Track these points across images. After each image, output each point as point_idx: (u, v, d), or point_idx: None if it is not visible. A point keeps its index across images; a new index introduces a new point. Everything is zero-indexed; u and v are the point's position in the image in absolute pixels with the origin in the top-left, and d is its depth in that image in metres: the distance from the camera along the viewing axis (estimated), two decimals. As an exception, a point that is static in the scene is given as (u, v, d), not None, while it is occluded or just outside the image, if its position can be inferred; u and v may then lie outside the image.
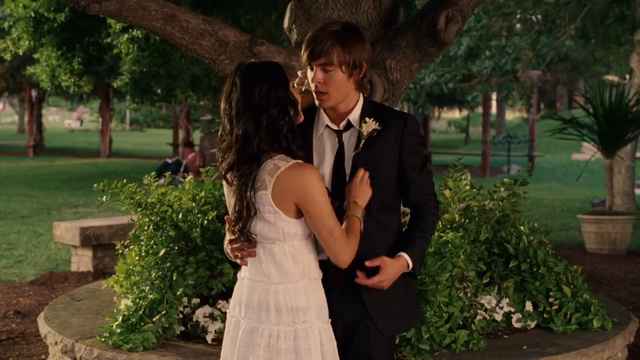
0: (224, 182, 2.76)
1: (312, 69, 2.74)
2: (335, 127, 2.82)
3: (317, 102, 2.79)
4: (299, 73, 3.00)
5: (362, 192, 2.70)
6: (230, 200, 2.73)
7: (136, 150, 29.98)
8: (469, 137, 35.66)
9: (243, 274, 2.83)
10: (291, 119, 2.63)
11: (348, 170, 2.79)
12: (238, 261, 2.76)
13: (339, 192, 2.75)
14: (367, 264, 2.75)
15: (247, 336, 2.71)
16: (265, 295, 2.68)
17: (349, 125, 2.83)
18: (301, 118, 2.69)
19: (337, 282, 2.79)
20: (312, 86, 2.75)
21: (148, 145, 33.19)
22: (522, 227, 4.86)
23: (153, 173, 4.79)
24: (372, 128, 2.75)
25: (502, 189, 5.11)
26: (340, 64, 2.69)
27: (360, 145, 2.77)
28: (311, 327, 2.63)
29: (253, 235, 2.68)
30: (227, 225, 2.83)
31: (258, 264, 2.72)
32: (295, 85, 2.88)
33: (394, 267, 2.78)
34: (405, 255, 2.81)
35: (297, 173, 2.57)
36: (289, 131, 2.62)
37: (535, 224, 4.99)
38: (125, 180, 4.60)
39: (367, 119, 2.76)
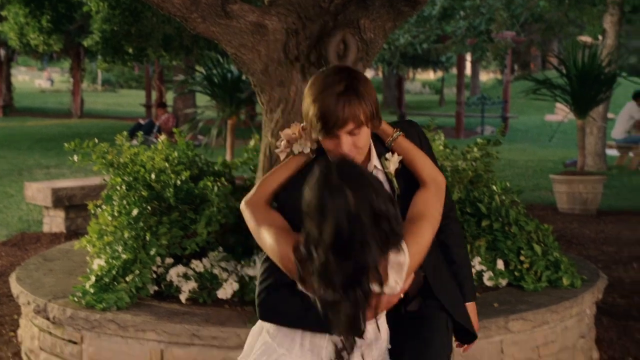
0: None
1: (331, 137, 2.39)
2: None
3: None
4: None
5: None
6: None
7: (108, 111, 29.63)
8: (443, 99, 35.69)
9: None
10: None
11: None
12: None
13: None
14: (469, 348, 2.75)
15: None
16: None
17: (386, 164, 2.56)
18: None
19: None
20: (338, 153, 2.40)
21: (120, 106, 32.82)
22: (494, 187, 4.90)
23: (125, 133, 4.75)
24: (397, 163, 2.52)
25: (476, 149, 5.14)
26: (367, 121, 2.40)
27: (397, 187, 2.52)
28: None
29: None
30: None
31: None
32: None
33: (476, 318, 2.73)
34: (469, 304, 2.71)
35: None
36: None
37: (508, 184, 5.03)
38: (97, 140, 4.56)
39: (386, 156, 2.53)
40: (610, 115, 16.24)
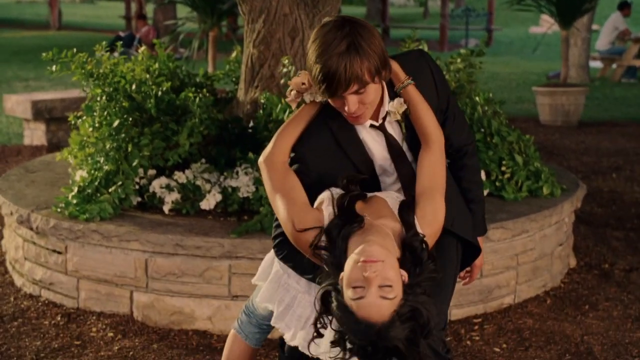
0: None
1: (336, 98, 2.31)
2: (376, 123, 2.45)
3: (352, 122, 2.40)
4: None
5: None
6: None
7: (87, 23, 29.03)
8: (427, 11, 35.22)
9: None
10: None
11: (410, 156, 2.50)
12: None
13: (409, 180, 2.46)
14: (469, 283, 2.79)
15: None
16: None
17: (385, 116, 2.48)
18: None
19: None
20: (345, 112, 2.34)
21: (99, 18, 32.16)
22: (477, 98, 4.89)
23: (104, 43, 4.66)
24: (401, 108, 2.43)
25: (459, 60, 5.10)
26: (372, 78, 2.28)
27: (404, 130, 2.46)
28: None
29: None
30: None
31: None
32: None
33: (481, 254, 2.71)
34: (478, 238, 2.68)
35: None
36: None
37: (491, 95, 5.02)
38: (75, 50, 4.48)
39: (391, 103, 2.43)
40: (595, 26, 16.13)
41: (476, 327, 4.05)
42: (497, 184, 4.61)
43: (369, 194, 2.36)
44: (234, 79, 5.36)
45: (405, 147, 2.48)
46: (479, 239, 2.69)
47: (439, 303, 2.45)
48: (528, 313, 4.21)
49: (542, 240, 4.40)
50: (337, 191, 2.32)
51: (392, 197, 2.36)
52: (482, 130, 4.69)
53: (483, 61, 5.11)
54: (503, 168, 4.62)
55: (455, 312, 4.10)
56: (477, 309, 4.17)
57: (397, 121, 2.46)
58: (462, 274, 2.76)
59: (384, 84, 2.42)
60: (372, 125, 2.44)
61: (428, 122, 2.40)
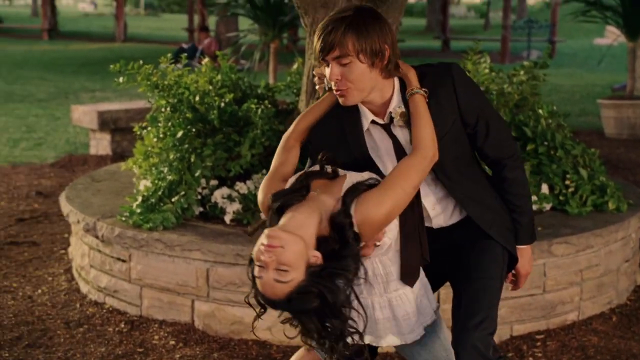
0: None
1: (327, 65, 2.40)
2: (381, 121, 2.51)
3: (340, 101, 2.46)
4: (315, 72, 2.63)
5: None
6: None
7: (151, 35, 29.64)
8: (488, 22, 34.94)
9: None
10: None
11: None
12: None
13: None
14: (515, 289, 2.79)
15: None
16: None
17: (392, 117, 2.52)
18: None
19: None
20: (332, 84, 2.42)
21: (163, 30, 32.80)
22: (540, 111, 4.83)
23: (169, 55, 4.75)
24: (399, 111, 2.46)
25: (522, 72, 5.05)
26: (357, 53, 2.34)
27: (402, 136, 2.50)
28: (405, 293, 2.48)
29: None
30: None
31: None
32: (317, 86, 2.61)
33: (526, 263, 2.71)
34: (522, 247, 2.67)
35: None
36: None
37: (554, 107, 4.95)
38: (141, 62, 4.57)
39: (394, 108, 2.46)
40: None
41: (539, 343, 3.97)
42: (561, 198, 4.53)
43: (343, 172, 2.43)
44: (295, 91, 5.39)
45: (410, 149, 2.49)
46: (526, 247, 2.69)
47: (485, 307, 2.48)
48: (593, 330, 4.12)
49: (608, 256, 4.30)
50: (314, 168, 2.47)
51: (355, 178, 2.39)
52: (546, 143, 4.62)
53: (546, 73, 5.04)
54: (567, 182, 4.54)
55: (517, 328, 4.04)
56: (539, 325, 4.09)
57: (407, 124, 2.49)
58: (508, 278, 2.76)
59: (396, 84, 2.47)
60: (376, 123, 2.50)
61: (422, 134, 2.40)
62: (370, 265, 2.41)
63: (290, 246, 2.18)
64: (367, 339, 2.48)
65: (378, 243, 2.35)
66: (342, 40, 2.33)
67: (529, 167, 4.56)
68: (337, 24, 2.34)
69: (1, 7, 41.21)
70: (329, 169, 2.43)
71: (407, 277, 2.45)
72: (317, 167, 2.45)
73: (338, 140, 2.53)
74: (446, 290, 3.20)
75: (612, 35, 15.64)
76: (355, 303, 2.28)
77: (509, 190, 2.63)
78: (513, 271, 2.73)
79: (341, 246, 2.24)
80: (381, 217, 2.28)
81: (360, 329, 2.31)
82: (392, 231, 2.38)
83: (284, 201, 2.33)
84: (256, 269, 2.21)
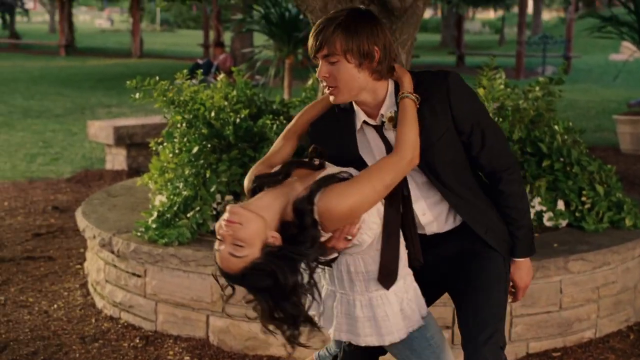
0: None
1: (316, 62, 2.47)
2: (373, 122, 2.54)
3: (330, 99, 2.50)
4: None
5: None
6: None
7: (167, 51, 29.84)
8: (503, 38, 34.96)
9: None
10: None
11: None
12: None
13: (402, 182, 2.49)
14: (515, 301, 2.76)
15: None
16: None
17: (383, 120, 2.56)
18: None
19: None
20: (322, 82, 2.48)
21: (179, 46, 33.01)
22: (556, 127, 4.81)
23: (185, 71, 4.78)
24: (387, 114, 2.48)
25: (537, 88, 5.04)
26: (345, 53, 2.38)
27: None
28: (386, 294, 2.49)
29: None
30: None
31: None
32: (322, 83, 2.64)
33: (525, 275, 2.69)
34: (519, 260, 2.66)
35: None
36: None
37: (570, 123, 4.93)
38: (157, 78, 4.60)
39: (385, 112, 2.49)
40: (678, 54, 15.67)
41: (555, 361, 3.95)
42: (577, 214, 4.50)
43: (329, 165, 2.50)
44: (310, 107, 5.39)
45: None
46: (525, 260, 2.67)
47: (494, 321, 2.48)
48: (610, 348, 4.08)
49: (625, 274, 4.27)
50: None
51: (333, 170, 2.43)
52: (562, 159, 4.60)
53: (562, 89, 5.03)
54: (583, 198, 4.52)
55: (534, 345, 4.01)
56: (556, 342, 4.06)
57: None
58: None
59: (390, 87, 2.50)
60: (368, 124, 2.53)
61: (405, 137, 2.41)
62: (352, 261, 2.45)
63: (249, 224, 2.26)
64: (345, 337, 2.52)
65: (349, 237, 2.37)
66: (331, 39, 2.39)
67: (544, 183, 4.54)
68: (329, 23, 2.41)
69: (19, 24, 41.62)
70: (316, 161, 2.50)
71: (384, 278, 2.46)
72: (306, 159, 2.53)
73: (334, 137, 2.58)
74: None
75: (628, 51, 15.58)
76: (316, 294, 2.33)
77: (506, 204, 2.62)
78: (511, 282, 2.71)
79: (299, 231, 2.30)
80: (343, 209, 2.31)
81: (316, 318, 2.38)
82: (372, 230, 2.40)
83: (259, 183, 2.42)
84: (216, 242, 2.31)
